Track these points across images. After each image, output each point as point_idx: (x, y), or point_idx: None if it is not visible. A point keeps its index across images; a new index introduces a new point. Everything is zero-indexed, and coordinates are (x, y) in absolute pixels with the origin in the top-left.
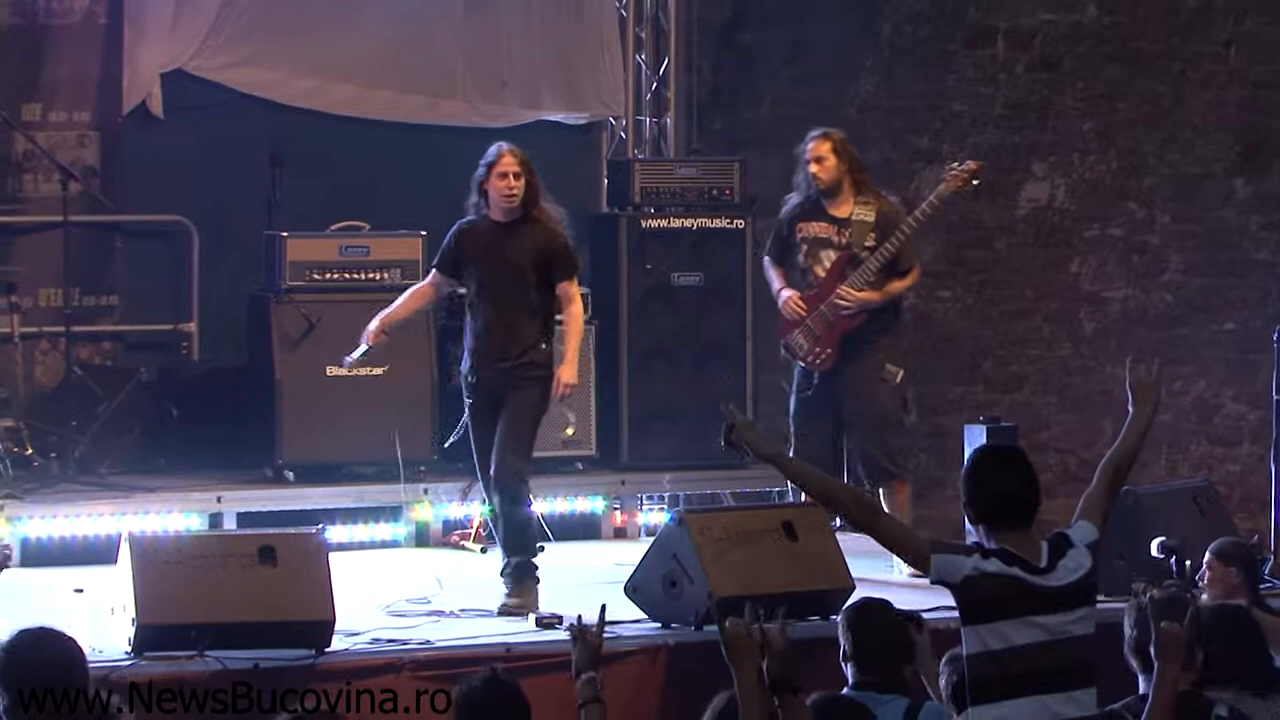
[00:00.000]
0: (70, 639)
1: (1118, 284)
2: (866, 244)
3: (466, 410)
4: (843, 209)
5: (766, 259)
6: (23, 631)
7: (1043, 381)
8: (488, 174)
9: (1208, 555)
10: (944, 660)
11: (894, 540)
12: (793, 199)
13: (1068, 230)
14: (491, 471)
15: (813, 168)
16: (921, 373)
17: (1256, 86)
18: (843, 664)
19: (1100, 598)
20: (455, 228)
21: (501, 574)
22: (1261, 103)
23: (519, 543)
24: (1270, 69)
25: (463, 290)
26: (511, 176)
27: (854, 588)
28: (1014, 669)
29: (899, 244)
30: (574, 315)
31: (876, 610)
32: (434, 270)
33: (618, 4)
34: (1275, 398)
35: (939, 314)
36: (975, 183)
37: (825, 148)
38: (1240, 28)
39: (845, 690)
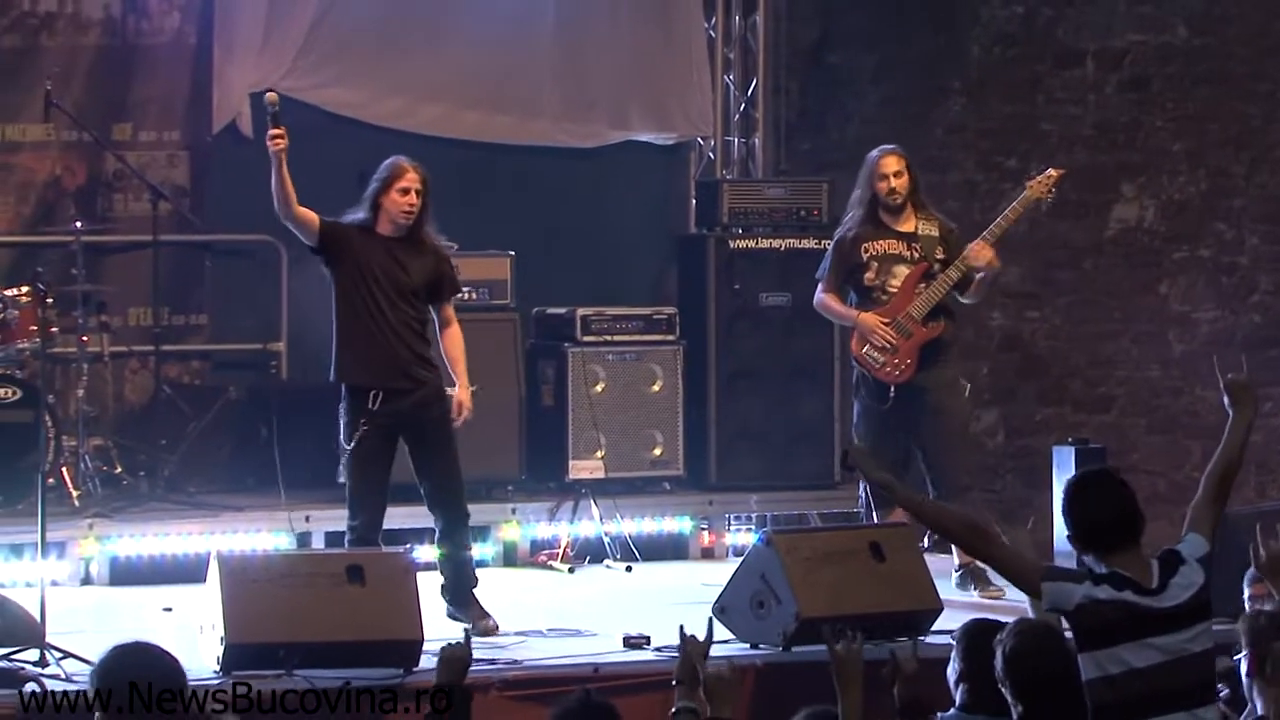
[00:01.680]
0: (167, 653)
1: (1206, 305)
2: (938, 256)
3: (360, 435)
4: (907, 224)
5: (822, 289)
6: (118, 647)
7: (1131, 403)
8: (386, 188)
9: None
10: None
11: (1006, 566)
12: (850, 220)
13: (1156, 251)
14: (455, 517)
15: (894, 182)
16: (1009, 394)
17: None
18: (952, 686)
19: None
20: (354, 220)
21: (459, 606)
22: None
23: (470, 578)
24: None
25: (306, 241)
26: (414, 193)
27: (942, 609)
28: (1134, 692)
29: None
30: (458, 335)
31: (995, 632)
32: (319, 217)
33: (706, 25)
34: None
35: (1027, 334)
36: (1053, 192)
37: (902, 163)
38: None
39: (952, 711)
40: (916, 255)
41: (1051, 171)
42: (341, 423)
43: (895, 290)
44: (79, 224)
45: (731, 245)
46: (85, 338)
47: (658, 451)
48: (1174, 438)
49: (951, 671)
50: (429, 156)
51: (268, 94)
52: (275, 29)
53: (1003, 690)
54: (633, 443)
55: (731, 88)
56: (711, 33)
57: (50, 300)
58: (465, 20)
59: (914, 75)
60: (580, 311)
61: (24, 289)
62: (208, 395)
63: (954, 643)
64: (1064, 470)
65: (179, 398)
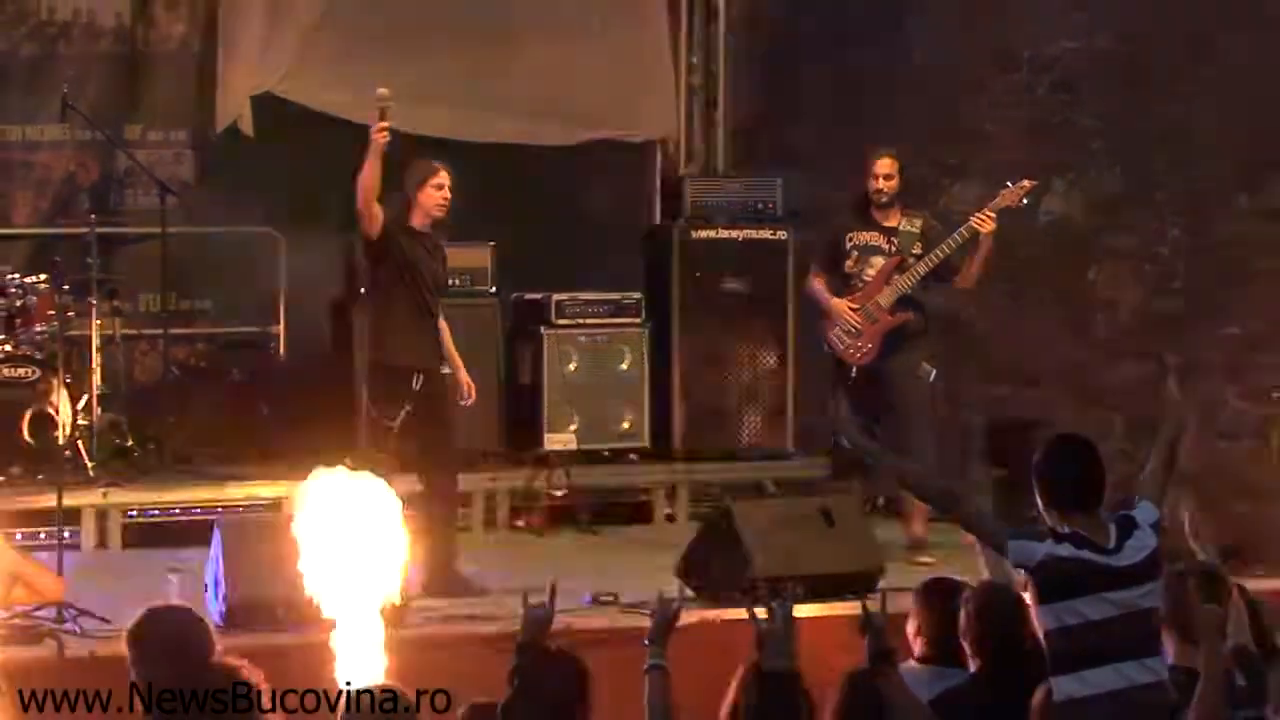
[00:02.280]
0: (193, 612)
1: (1130, 290)
2: (914, 251)
3: (405, 413)
4: (891, 220)
5: (814, 271)
6: (152, 608)
7: (1060, 379)
8: (423, 184)
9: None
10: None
11: (976, 527)
12: (842, 212)
13: (1084, 241)
14: (445, 484)
15: (882, 184)
16: (951, 370)
17: (1257, 109)
18: (911, 639)
19: None
20: (395, 218)
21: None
22: (1262, 125)
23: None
24: (1271, 94)
25: (369, 232)
26: (448, 188)
27: (885, 569)
28: (1089, 642)
29: (953, 248)
30: (445, 324)
31: (951, 590)
32: (381, 209)
33: (672, 33)
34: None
35: (966, 317)
36: (1025, 201)
37: (895, 166)
38: (1242, 58)
39: (910, 662)
40: (893, 249)
41: (1025, 182)
42: (371, 400)
43: (870, 279)
44: (93, 217)
45: (693, 235)
46: (99, 321)
47: (625, 425)
48: (1098, 412)
49: (910, 625)
50: (417, 154)
51: (380, 89)
52: (275, 36)
53: (963, 644)
54: (602, 416)
55: (695, 91)
56: (677, 40)
57: (66, 287)
58: (452, 27)
59: (863, 79)
60: (555, 297)
61: (42, 277)
62: (212, 374)
63: (913, 599)
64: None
65: (185, 377)
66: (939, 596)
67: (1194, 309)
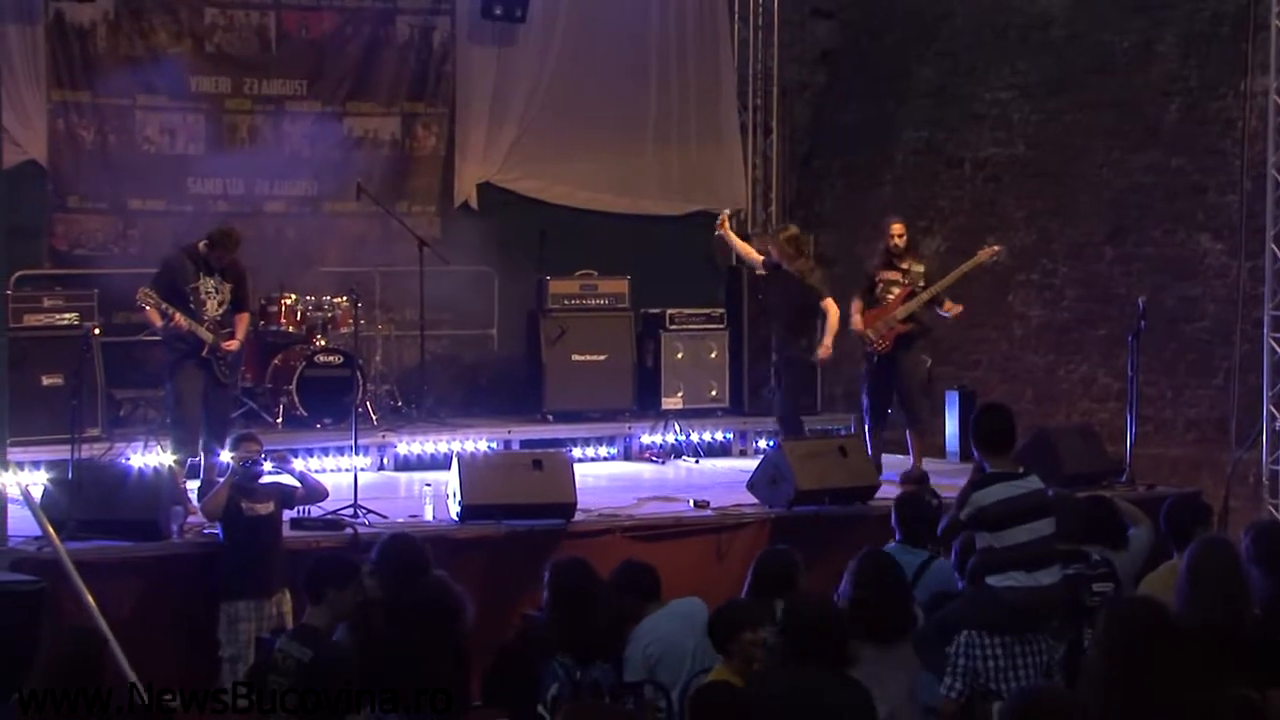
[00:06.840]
0: (418, 540)
1: (1035, 308)
2: (919, 284)
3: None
4: (904, 263)
5: (857, 298)
6: (390, 536)
7: (991, 365)
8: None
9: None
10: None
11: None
12: (874, 257)
13: (1007, 275)
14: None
15: (897, 240)
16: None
17: (1118, 191)
18: (895, 528)
19: None
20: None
21: None
22: (1121, 202)
23: None
24: (1127, 182)
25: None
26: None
27: (880, 485)
28: (1010, 557)
29: (945, 287)
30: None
31: (915, 497)
32: None
33: (742, 142)
34: (1130, 374)
35: (935, 324)
36: (995, 259)
37: (903, 227)
38: (1110, 156)
39: (892, 544)
40: (905, 282)
41: (996, 246)
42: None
43: (890, 299)
44: (376, 262)
45: (756, 272)
46: (379, 326)
47: (714, 392)
48: (1015, 386)
49: (893, 520)
50: (582, 222)
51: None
52: (490, 147)
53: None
54: (699, 387)
55: (758, 179)
56: (746, 147)
57: (359, 304)
58: (605, 138)
59: (863, 171)
60: (668, 310)
61: (344, 298)
62: (450, 359)
63: (894, 504)
64: (952, 405)
65: (434, 361)
66: (912, 501)
67: (1076, 320)
